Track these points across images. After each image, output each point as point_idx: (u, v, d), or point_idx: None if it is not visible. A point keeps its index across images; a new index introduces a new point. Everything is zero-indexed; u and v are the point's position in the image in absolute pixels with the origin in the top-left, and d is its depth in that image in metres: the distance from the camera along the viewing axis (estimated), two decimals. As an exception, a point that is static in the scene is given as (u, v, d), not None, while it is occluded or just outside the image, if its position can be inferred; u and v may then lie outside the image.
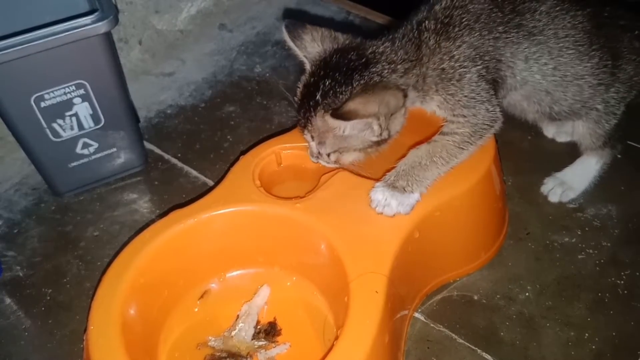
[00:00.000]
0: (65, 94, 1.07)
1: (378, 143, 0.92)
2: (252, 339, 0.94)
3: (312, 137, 0.93)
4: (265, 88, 1.47)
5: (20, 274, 1.11)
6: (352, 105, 0.83)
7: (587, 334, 0.99)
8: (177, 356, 0.94)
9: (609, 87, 1.04)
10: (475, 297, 1.04)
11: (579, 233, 1.13)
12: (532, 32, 0.95)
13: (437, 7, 0.94)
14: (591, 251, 1.10)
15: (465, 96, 0.92)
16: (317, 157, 0.96)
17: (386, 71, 0.88)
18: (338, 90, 0.86)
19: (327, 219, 0.93)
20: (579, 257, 1.09)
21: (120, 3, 1.40)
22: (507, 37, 0.94)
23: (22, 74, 1.02)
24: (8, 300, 1.07)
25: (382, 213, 0.92)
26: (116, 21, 1.03)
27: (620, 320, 1.00)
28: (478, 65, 0.92)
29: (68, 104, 1.09)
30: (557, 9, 0.97)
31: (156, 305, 0.94)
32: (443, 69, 0.92)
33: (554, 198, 1.18)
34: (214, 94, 1.46)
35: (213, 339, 0.95)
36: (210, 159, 1.30)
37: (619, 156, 1.22)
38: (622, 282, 1.05)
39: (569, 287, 1.05)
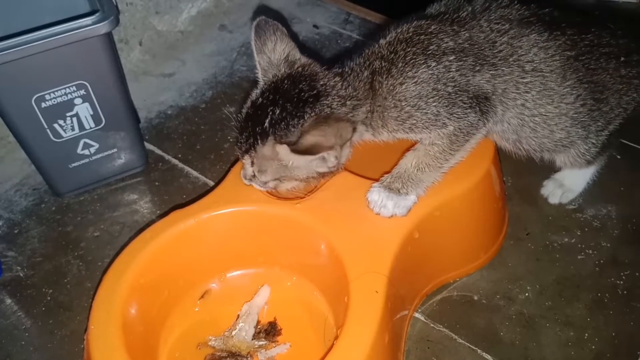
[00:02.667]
0: (66, 94, 1.08)
1: (323, 174, 0.90)
2: (252, 339, 0.95)
3: (252, 163, 0.89)
4: (265, 89, 1.47)
5: (21, 274, 1.11)
6: (312, 138, 0.81)
7: (586, 334, 0.99)
8: (178, 356, 0.94)
9: (587, 124, 0.98)
10: (475, 297, 1.04)
11: (579, 233, 1.13)
12: (491, 62, 0.89)
13: (382, 42, 0.90)
14: (591, 251, 1.10)
15: (426, 121, 0.87)
16: (251, 180, 0.92)
17: (336, 104, 0.86)
18: (290, 122, 0.83)
19: (327, 220, 0.93)
20: (579, 257, 1.10)
21: (121, 4, 1.41)
22: (460, 66, 0.87)
23: (23, 75, 1.02)
24: (8, 301, 1.07)
25: (379, 214, 0.92)
26: (117, 22, 1.03)
27: (620, 320, 1.00)
28: (430, 99, 0.86)
29: (69, 105, 1.09)
30: (522, 39, 0.90)
31: (156, 305, 0.95)
32: (387, 108, 0.88)
33: (554, 200, 1.18)
34: (215, 94, 1.46)
35: (213, 338, 0.95)
36: (210, 159, 1.30)
37: (618, 157, 1.22)
38: (622, 282, 1.05)
39: (568, 287, 1.05)
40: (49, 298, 1.07)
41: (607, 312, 1.02)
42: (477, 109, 0.89)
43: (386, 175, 0.95)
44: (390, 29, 0.92)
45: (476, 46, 0.89)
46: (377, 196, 0.92)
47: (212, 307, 1.00)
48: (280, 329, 0.97)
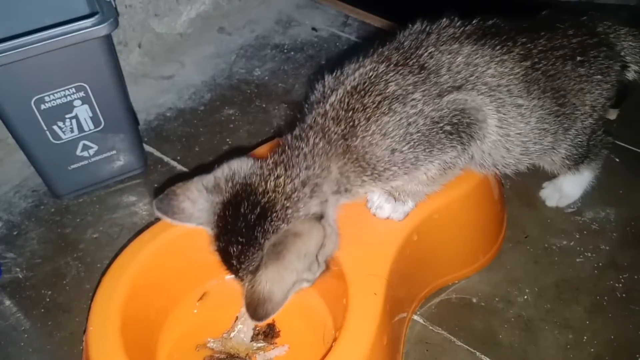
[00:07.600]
0: (65, 96, 1.08)
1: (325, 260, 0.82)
2: (250, 341, 0.95)
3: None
4: (264, 91, 1.47)
5: (20, 276, 1.11)
6: (266, 288, 0.73)
7: (585, 337, 0.99)
8: (176, 357, 0.94)
9: (556, 131, 0.94)
10: (474, 300, 1.04)
11: (578, 236, 1.13)
12: (455, 86, 0.82)
13: (331, 101, 0.81)
14: (589, 254, 1.10)
15: (406, 168, 0.82)
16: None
17: (290, 210, 0.76)
18: (250, 256, 0.77)
19: (326, 221, 0.93)
20: (578, 260, 1.10)
21: (120, 6, 1.41)
22: (425, 95, 0.80)
23: (23, 77, 1.02)
24: (8, 302, 1.07)
25: (375, 214, 0.93)
26: (116, 24, 1.03)
27: (619, 323, 1.01)
28: (405, 146, 0.80)
29: (68, 107, 1.09)
30: (477, 57, 0.84)
31: (155, 307, 0.95)
32: (360, 170, 0.80)
33: (551, 203, 1.18)
34: (213, 97, 1.46)
35: (212, 340, 0.95)
36: (209, 161, 1.30)
37: (616, 160, 1.22)
38: (621, 285, 1.05)
39: (567, 290, 1.05)
40: (48, 299, 1.07)
41: (605, 315, 1.02)
42: (456, 136, 0.83)
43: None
44: (329, 82, 0.84)
45: (434, 74, 0.82)
46: (376, 197, 0.93)
47: (211, 309, 1.00)
48: (279, 331, 0.97)
